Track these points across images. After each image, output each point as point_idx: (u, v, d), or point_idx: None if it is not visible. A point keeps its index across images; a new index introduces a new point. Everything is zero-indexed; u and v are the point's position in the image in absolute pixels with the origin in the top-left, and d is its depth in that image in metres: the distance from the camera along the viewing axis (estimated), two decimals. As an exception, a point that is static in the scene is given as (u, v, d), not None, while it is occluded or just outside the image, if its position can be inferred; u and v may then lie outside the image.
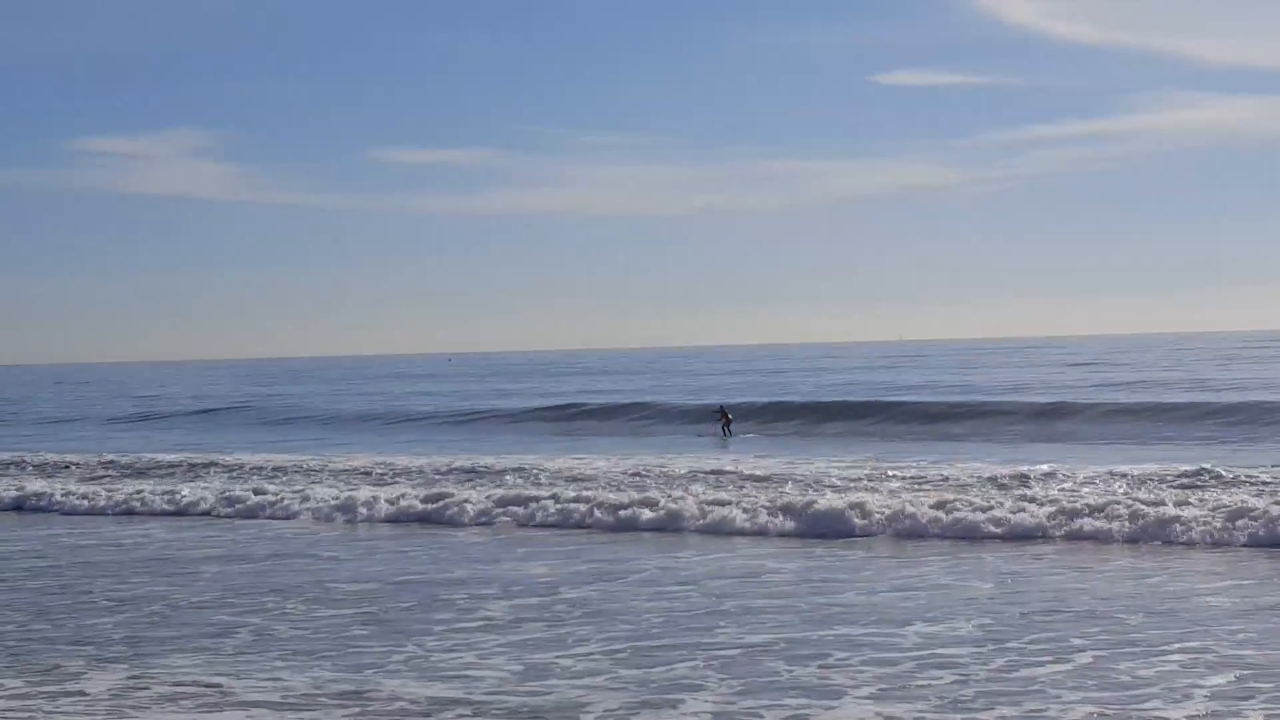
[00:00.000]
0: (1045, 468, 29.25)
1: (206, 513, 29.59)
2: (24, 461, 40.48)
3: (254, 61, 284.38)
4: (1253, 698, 12.11)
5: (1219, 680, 12.74)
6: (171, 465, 38.05)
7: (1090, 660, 13.71)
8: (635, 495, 27.21)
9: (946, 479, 28.56)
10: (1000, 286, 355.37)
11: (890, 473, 29.95)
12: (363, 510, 28.18)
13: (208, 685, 13.50)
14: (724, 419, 51.18)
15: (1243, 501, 23.05)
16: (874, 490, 26.99)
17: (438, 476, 32.81)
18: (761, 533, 24.28)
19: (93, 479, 35.72)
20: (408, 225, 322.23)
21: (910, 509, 24.20)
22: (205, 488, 32.03)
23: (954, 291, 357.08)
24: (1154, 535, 21.96)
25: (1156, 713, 11.72)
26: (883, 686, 12.87)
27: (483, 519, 26.95)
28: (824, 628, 15.67)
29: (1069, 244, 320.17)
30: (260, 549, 24.06)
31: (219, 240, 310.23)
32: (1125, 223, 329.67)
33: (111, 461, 39.13)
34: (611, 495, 27.57)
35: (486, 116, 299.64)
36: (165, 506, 30.28)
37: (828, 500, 25.26)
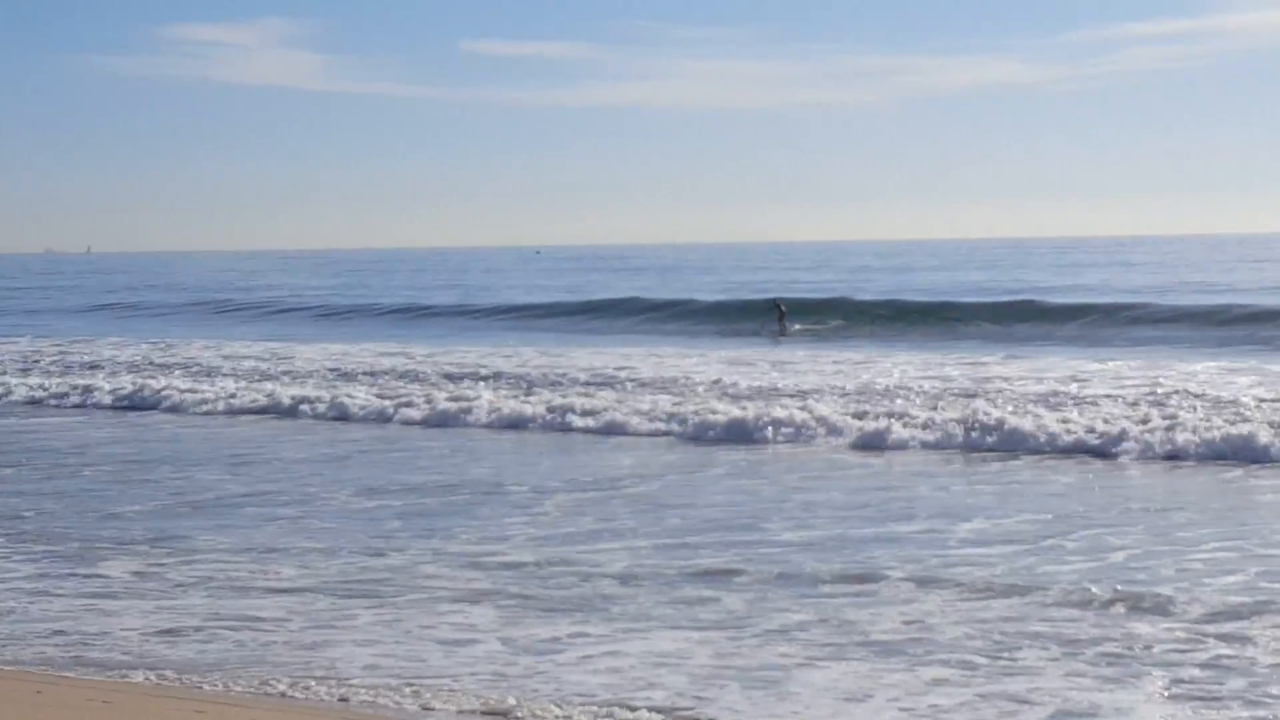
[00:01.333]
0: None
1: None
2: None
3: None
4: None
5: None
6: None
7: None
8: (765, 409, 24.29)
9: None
10: (1095, 185, 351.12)
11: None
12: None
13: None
14: (780, 315, 49.66)
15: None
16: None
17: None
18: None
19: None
20: (499, 118, 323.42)
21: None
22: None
23: (1047, 189, 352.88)
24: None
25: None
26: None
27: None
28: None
29: (1164, 143, 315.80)
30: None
31: (310, 131, 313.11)
32: (1221, 121, 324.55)
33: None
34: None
35: (579, 8, 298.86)
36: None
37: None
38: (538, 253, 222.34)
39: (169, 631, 11.62)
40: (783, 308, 50.59)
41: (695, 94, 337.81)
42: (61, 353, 40.64)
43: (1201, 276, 75.37)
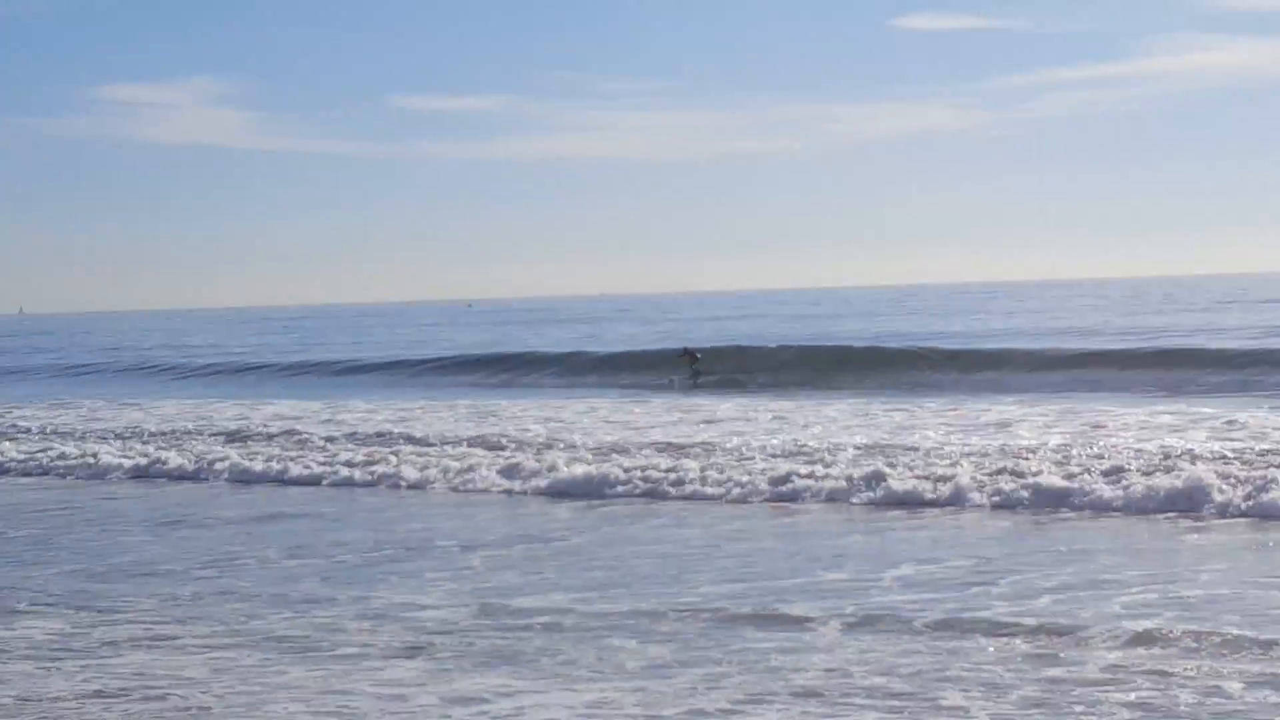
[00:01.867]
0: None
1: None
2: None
3: (273, 8, 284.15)
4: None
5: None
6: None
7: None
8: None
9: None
10: (1016, 229, 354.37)
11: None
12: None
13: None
14: (690, 360, 47.68)
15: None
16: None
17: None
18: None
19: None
20: (427, 172, 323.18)
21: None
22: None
23: (973, 235, 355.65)
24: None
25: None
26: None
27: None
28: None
29: (1085, 186, 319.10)
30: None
31: (238, 188, 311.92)
32: (1140, 164, 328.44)
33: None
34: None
35: (504, 63, 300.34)
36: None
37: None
38: (469, 306, 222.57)
39: (99, 693, 11.57)
40: (696, 354, 48.68)
41: (621, 145, 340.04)
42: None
43: (1124, 319, 76.17)
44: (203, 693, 11.51)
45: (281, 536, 19.63)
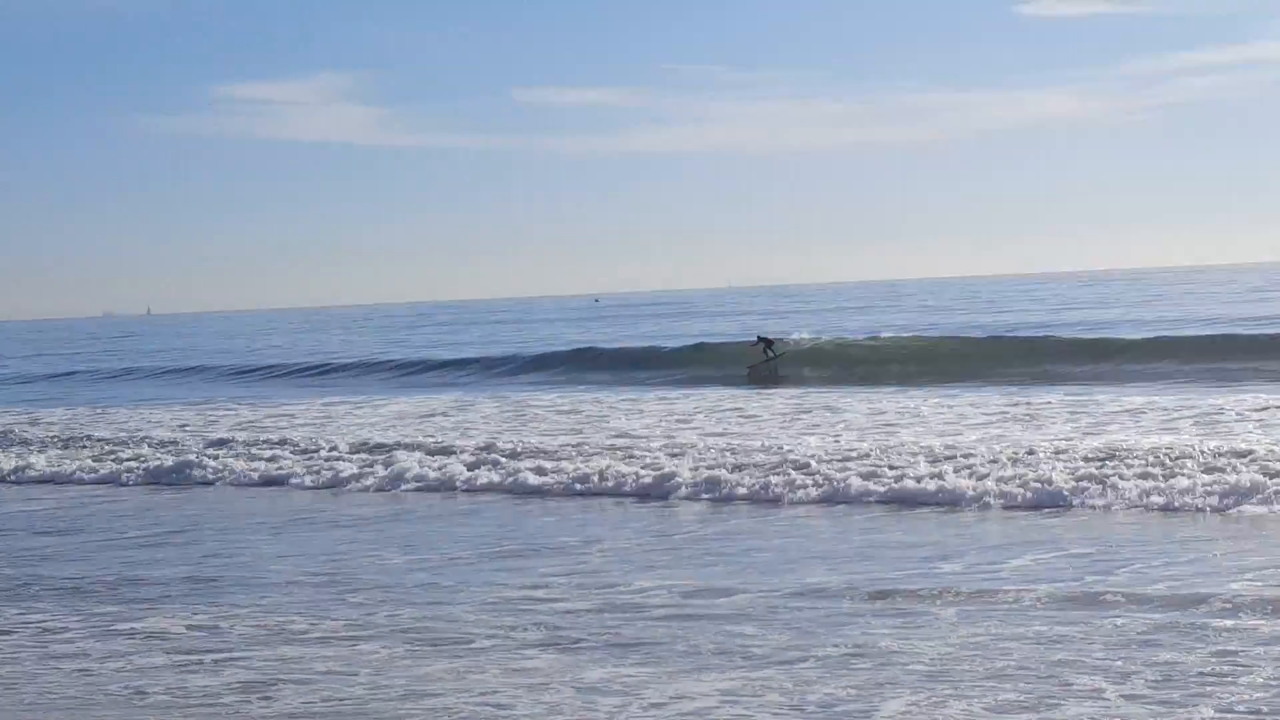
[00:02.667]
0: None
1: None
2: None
3: (393, 4, 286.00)
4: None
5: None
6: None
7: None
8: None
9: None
10: (1148, 216, 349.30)
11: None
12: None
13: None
14: (765, 347, 47.13)
15: None
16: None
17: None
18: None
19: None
20: (551, 166, 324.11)
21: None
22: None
23: (1099, 222, 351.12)
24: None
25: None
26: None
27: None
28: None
29: (1215, 172, 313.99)
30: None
31: (364, 184, 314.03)
32: (1268, 149, 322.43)
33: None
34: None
35: (628, 54, 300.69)
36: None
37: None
38: (597, 301, 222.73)
39: (247, 686, 11.91)
40: (769, 341, 47.96)
41: (743, 137, 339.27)
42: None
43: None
44: (350, 686, 11.83)
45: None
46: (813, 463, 23.11)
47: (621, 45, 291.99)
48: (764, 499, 21.72)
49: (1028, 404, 31.65)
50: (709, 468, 23.51)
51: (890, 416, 30.84)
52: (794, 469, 22.87)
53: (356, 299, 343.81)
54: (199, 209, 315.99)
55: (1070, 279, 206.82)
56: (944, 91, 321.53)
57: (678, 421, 32.01)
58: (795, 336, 52.58)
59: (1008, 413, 30.22)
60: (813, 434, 27.88)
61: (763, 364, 46.62)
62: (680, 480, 22.91)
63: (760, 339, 48.60)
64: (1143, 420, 27.63)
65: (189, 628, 14.16)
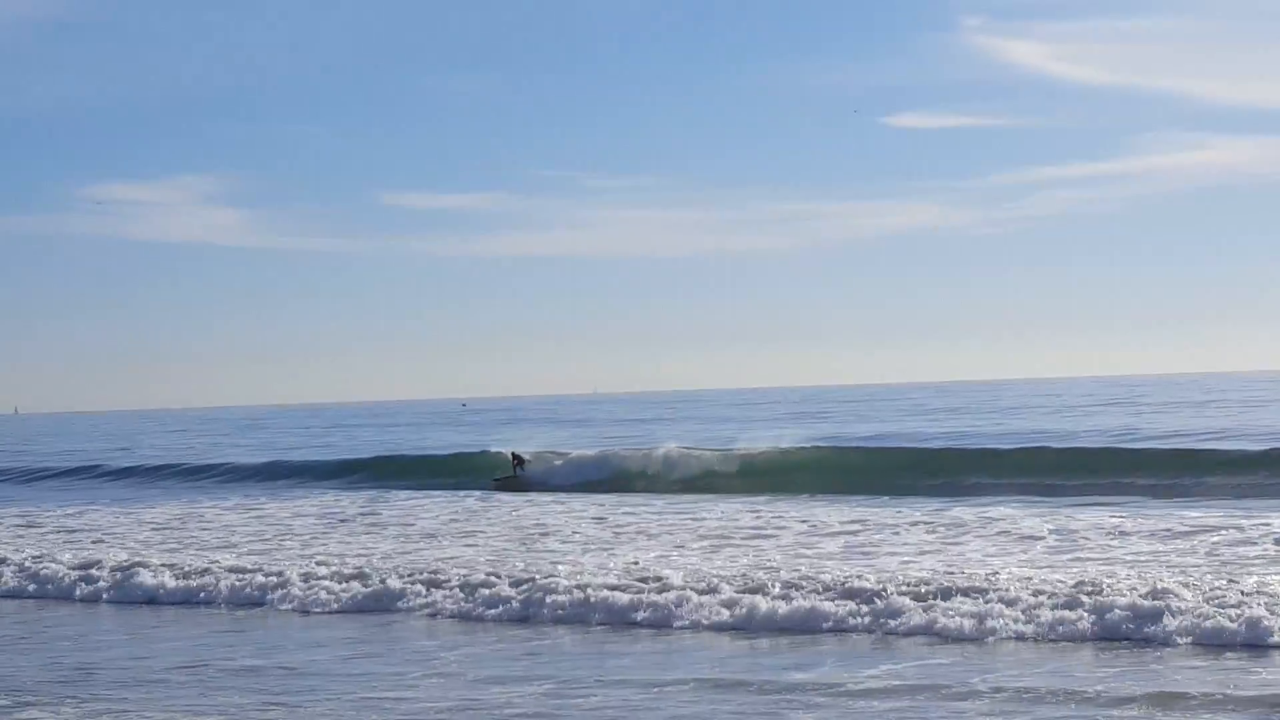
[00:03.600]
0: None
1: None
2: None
3: (260, 107, 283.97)
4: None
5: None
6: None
7: None
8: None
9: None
10: (1010, 324, 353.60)
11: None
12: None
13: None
14: (517, 463, 50.45)
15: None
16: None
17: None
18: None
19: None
20: (420, 269, 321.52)
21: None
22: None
23: (966, 330, 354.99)
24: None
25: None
26: None
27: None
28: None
29: (1079, 283, 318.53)
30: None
31: (230, 285, 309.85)
32: (1134, 262, 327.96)
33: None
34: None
35: (496, 160, 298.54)
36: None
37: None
38: (464, 405, 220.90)
39: None
40: (521, 456, 51.18)
41: (610, 242, 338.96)
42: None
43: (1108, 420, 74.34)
44: None
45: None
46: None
47: (486, 152, 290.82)
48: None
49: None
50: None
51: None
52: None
53: (221, 399, 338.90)
54: (65, 308, 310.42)
55: (938, 386, 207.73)
56: (809, 201, 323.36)
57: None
58: (547, 452, 54.40)
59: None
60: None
61: (509, 477, 49.53)
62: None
63: (514, 454, 51.59)
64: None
65: None
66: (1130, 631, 17.26)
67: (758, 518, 31.78)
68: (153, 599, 24.10)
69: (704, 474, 48.02)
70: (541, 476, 49.33)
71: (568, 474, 49.68)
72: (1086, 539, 25.73)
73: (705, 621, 19.31)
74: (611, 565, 23.75)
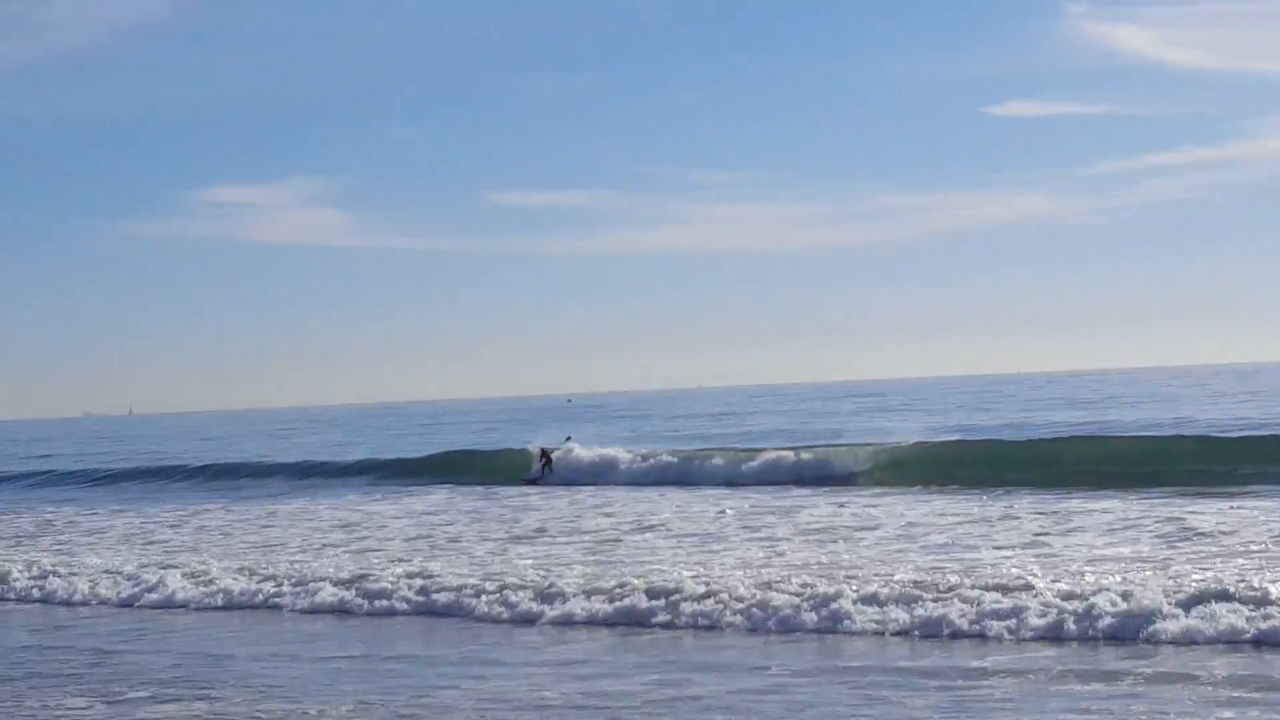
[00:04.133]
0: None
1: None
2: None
3: (367, 110, 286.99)
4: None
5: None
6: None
7: None
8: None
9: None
10: (1120, 316, 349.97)
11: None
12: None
13: None
14: (545, 460, 50.88)
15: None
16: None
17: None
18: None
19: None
20: (526, 267, 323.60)
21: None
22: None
23: (1074, 321, 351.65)
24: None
25: None
26: None
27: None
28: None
29: (1190, 270, 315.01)
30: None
31: (338, 287, 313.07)
32: (1247, 247, 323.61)
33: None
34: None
35: (601, 157, 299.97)
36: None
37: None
38: (569, 401, 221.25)
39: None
40: (548, 452, 51.50)
41: (715, 237, 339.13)
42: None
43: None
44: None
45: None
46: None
47: (593, 148, 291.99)
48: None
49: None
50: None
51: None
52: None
53: (325, 399, 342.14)
54: (179, 311, 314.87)
55: (1043, 378, 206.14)
56: (914, 193, 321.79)
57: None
58: (570, 445, 53.77)
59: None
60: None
61: (539, 474, 50.01)
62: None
63: (542, 450, 51.91)
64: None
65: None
66: None
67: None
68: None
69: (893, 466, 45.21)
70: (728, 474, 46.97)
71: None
72: None
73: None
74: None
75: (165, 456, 77.97)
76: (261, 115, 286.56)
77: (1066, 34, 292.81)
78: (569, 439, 55.27)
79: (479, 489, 45.40)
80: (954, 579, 20.08)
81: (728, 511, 33.96)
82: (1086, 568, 21.23)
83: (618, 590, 21.11)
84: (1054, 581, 19.48)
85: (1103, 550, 23.74)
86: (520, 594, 21.58)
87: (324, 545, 31.00)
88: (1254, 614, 16.86)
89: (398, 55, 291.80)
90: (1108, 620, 17.36)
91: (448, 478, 51.07)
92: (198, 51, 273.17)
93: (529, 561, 25.53)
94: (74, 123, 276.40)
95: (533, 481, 48.72)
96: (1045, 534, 26.72)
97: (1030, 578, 19.65)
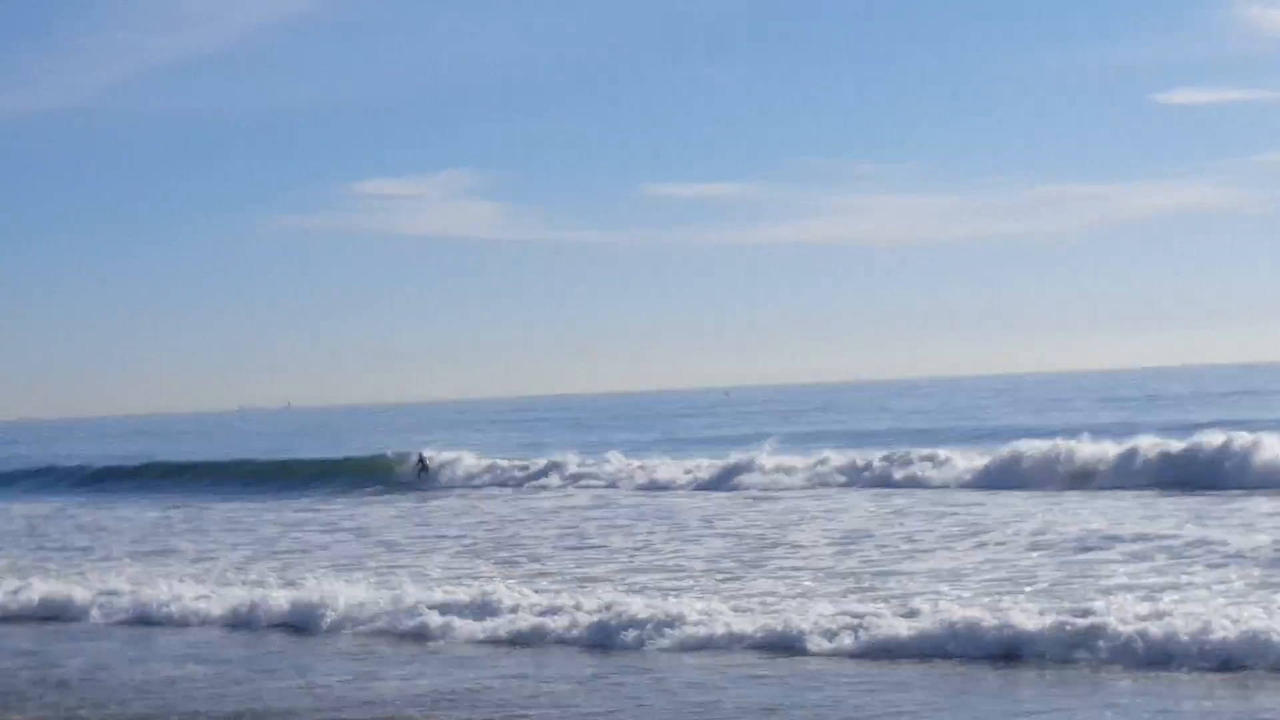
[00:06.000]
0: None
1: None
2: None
3: (520, 101, 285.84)
4: None
5: None
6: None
7: None
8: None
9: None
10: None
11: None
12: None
13: None
14: (421, 464, 52.99)
15: None
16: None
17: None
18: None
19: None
20: (681, 259, 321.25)
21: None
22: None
23: (1241, 313, 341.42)
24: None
25: None
26: None
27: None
28: None
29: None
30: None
31: (494, 279, 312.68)
32: None
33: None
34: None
35: (757, 148, 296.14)
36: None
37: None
38: (726, 394, 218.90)
39: None
40: (425, 457, 53.69)
41: (874, 229, 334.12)
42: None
43: None
44: None
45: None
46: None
47: (749, 140, 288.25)
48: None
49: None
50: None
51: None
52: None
53: (476, 392, 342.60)
54: (333, 303, 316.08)
55: (1214, 371, 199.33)
56: (1079, 183, 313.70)
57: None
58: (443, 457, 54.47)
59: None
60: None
61: (415, 477, 52.24)
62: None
63: (420, 456, 53.99)
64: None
65: None
66: None
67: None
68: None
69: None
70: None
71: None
72: None
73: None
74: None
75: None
76: (417, 108, 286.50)
77: (1234, 20, 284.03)
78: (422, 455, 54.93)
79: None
80: None
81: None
82: None
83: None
84: None
85: None
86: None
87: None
88: None
89: (553, 47, 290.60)
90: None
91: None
92: (353, 45, 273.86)
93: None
94: (229, 117, 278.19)
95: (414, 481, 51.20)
96: None
97: None
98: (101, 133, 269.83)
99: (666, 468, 47.55)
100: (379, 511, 40.02)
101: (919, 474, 41.17)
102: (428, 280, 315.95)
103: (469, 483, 49.63)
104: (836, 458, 44.31)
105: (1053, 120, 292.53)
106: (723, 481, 43.96)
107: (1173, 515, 28.52)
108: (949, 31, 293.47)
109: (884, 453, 44.31)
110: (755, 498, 39.05)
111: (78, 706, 15.85)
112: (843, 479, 42.25)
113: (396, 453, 57.37)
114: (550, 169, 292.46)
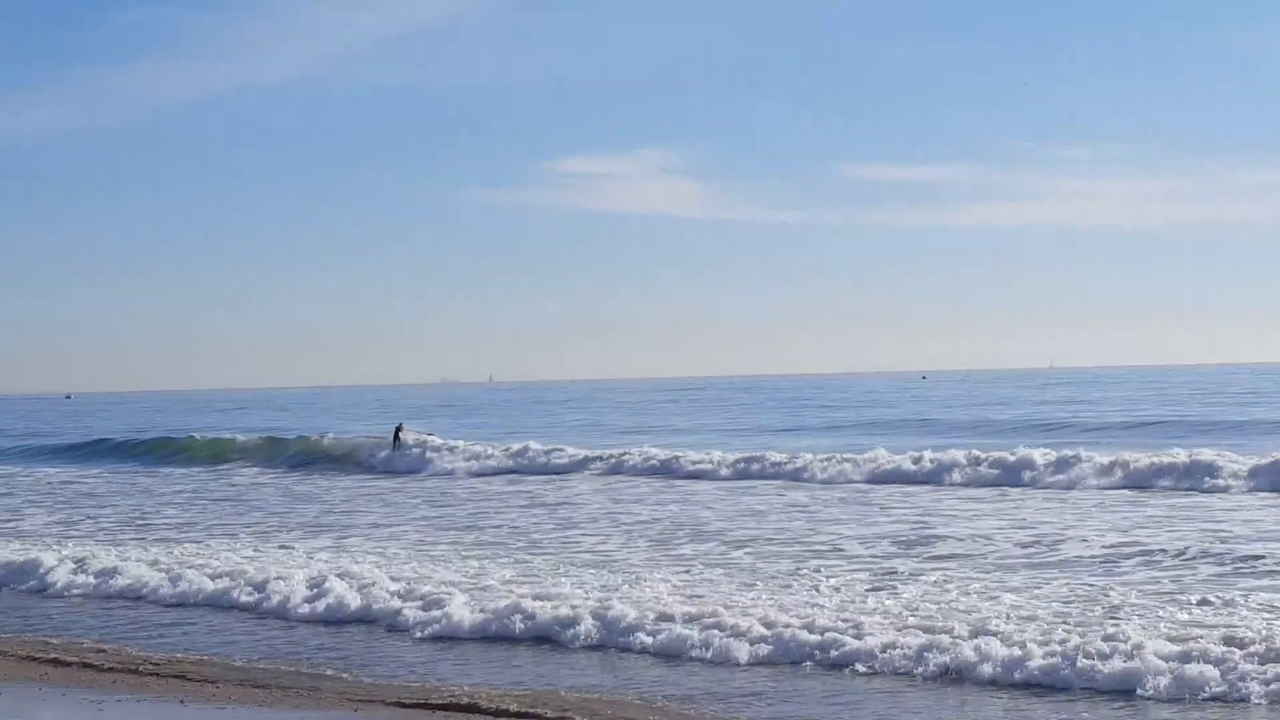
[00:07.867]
0: None
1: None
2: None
3: (719, 80, 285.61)
4: None
5: None
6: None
7: None
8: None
9: None
10: None
11: None
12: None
13: None
14: (396, 436, 54.32)
15: None
16: None
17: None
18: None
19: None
20: (880, 241, 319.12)
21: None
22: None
23: None
24: None
25: None
26: None
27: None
28: None
29: None
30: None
31: (688, 257, 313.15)
32: None
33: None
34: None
35: (959, 131, 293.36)
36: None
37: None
38: (924, 377, 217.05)
39: None
40: (400, 430, 55.07)
41: (1081, 213, 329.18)
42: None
43: None
44: None
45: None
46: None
47: (950, 122, 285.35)
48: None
49: None
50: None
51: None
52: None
53: (670, 370, 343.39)
54: (530, 279, 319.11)
55: None
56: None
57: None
58: (430, 435, 56.01)
59: None
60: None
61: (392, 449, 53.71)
62: None
63: (397, 429, 55.65)
64: None
65: None
66: None
67: None
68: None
69: None
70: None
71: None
72: None
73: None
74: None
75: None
76: (614, 86, 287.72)
77: None
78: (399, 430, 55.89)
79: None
80: None
81: None
82: None
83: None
84: None
85: None
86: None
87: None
88: None
89: (753, 27, 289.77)
90: None
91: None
92: (553, 22, 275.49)
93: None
94: (429, 93, 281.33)
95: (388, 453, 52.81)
96: None
97: None
98: (307, 107, 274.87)
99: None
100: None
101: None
102: (622, 257, 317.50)
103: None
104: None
105: (1254, 103, 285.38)
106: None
107: None
108: (1151, 11, 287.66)
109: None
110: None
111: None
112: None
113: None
114: (748, 148, 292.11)
